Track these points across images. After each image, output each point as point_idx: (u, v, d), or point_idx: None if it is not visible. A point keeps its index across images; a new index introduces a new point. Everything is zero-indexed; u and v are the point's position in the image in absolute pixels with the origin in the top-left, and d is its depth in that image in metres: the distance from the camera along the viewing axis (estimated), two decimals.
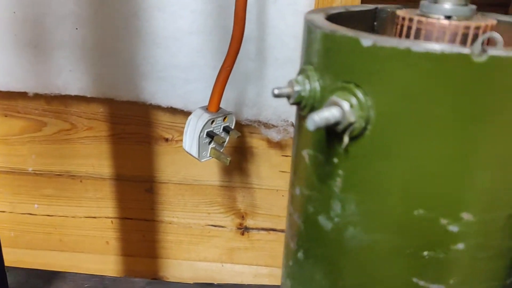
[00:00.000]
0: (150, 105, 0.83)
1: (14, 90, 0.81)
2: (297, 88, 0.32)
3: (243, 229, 0.94)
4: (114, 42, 0.78)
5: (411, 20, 0.33)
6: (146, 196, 0.92)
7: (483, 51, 0.26)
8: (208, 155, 0.72)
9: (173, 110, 0.84)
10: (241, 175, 0.90)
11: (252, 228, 0.93)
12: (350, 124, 0.29)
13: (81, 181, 0.92)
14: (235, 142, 0.87)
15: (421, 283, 0.31)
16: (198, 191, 0.92)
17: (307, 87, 0.32)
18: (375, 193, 0.31)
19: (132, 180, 0.91)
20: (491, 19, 0.34)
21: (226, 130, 0.72)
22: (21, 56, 0.79)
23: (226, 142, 0.72)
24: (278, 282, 0.96)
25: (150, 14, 0.75)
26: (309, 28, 0.33)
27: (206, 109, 0.70)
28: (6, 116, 0.88)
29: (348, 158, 0.31)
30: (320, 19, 0.33)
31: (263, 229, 0.93)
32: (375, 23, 0.41)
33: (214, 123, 0.70)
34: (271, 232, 0.93)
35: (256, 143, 0.88)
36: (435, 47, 0.26)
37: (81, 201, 0.93)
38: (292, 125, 0.82)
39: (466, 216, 0.30)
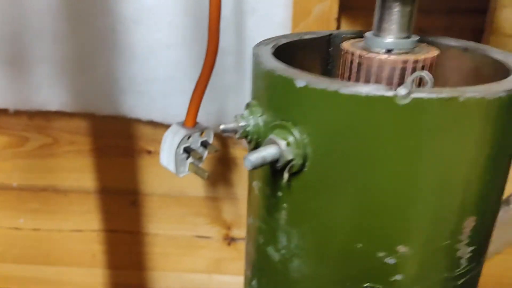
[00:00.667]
0: (131, 118, 0.84)
1: None
2: (242, 123, 0.34)
3: (230, 240, 0.95)
4: (92, 57, 0.79)
5: (353, 54, 0.35)
6: (131, 209, 0.94)
7: (408, 93, 0.28)
8: (186, 170, 0.74)
9: (154, 123, 0.86)
10: (226, 186, 0.92)
11: (239, 238, 0.95)
12: (289, 162, 0.31)
13: (65, 195, 0.94)
14: (218, 153, 0.89)
15: None
16: (183, 202, 0.93)
17: (251, 122, 0.34)
18: (317, 226, 0.33)
19: (117, 193, 0.93)
20: (434, 51, 0.35)
21: (204, 144, 0.74)
22: (0, 73, 0.81)
23: (204, 157, 0.74)
24: None
25: (127, 28, 0.77)
26: (255, 63, 0.35)
27: (183, 124, 0.72)
28: None
29: (291, 192, 0.33)
30: (266, 53, 0.35)
31: None
32: (330, 49, 0.42)
33: (191, 138, 0.72)
34: None
35: (239, 154, 0.89)
36: (361, 90, 0.28)
37: (67, 215, 0.95)
38: None
39: (402, 249, 0.32)
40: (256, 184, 0.36)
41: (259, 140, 0.34)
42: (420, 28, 0.76)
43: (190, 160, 0.74)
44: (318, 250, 0.33)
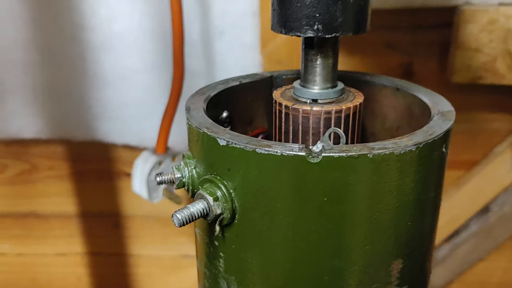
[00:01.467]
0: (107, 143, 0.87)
1: None
2: (177, 175, 0.36)
3: None
4: (64, 85, 0.82)
5: (280, 105, 0.37)
6: (114, 231, 0.97)
7: (319, 153, 0.30)
8: (160, 196, 0.76)
9: (131, 147, 0.88)
10: None
11: None
12: (218, 215, 0.33)
13: (47, 220, 0.96)
14: None
15: None
16: (165, 222, 0.96)
17: (186, 173, 0.36)
18: (251, 275, 0.35)
19: (98, 215, 0.96)
20: (358, 98, 0.37)
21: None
22: None
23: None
24: None
25: (97, 56, 0.79)
26: (187, 117, 0.37)
27: (154, 150, 0.74)
28: None
29: (225, 242, 0.35)
30: (197, 107, 0.37)
31: None
32: (273, 90, 0.45)
33: (162, 164, 0.74)
34: None
35: None
36: (276, 149, 0.30)
37: (50, 239, 0.98)
38: None
39: None
40: (198, 231, 0.38)
41: (194, 191, 0.36)
42: (389, 43, 0.78)
43: (164, 186, 0.76)
44: None
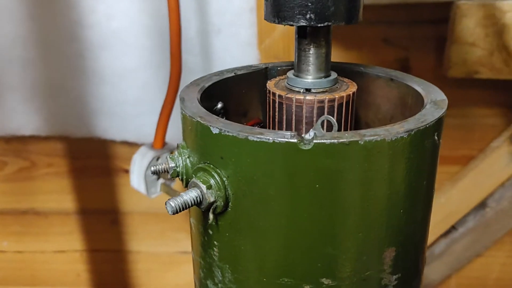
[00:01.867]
0: (106, 139, 0.87)
1: None
2: (171, 164, 0.36)
3: None
4: (63, 83, 0.82)
5: (274, 94, 0.37)
6: (112, 227, 0.97)
7: (310, 140, 0.30)
8: (158, 191, 0.76)
9: (129, 142, 0.88)
10: None
11: None
12: (212, 203, 0.33)
13: (46, 217, 0.96)
14: None
15: None
16: (164, 219, 0.96)
17: (180, 163, 0.36)
18: (245, 262, 0.35)
19: (97, 212, 0.96)
20: (351, 88, 0.37)
21: None
22: None
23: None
24: None
25: (95, 54, 0.79)
26: (181, 107, 0.37)
27: (152, 146, 0.74)
28: None
29: (219, 231, 0.35)
30: (191, 97, 0.37)
31: None
32: (268, 81, 0.45)
33: (160, 159, 0.74)
34: None
35: None
36: (268, 136, 0.30)
37: (49, 236, 0.98)
38: None
39: (326, 281, 0.34)
40: (192, 221, 0.38)
41: (188, 180, 0.36)
42: (385, 38, 0.78)
43: (162, 180, 0.76)
44: (248, 285, 0.35)
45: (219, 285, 0.37)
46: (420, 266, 0.38)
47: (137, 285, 1.01)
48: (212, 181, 0.33)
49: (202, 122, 0.33)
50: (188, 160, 0.36)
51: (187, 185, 0.36)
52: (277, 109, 0.37)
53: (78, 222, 0.97)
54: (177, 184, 0.86)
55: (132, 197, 0.94)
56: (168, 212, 0.32)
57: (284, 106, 0.36)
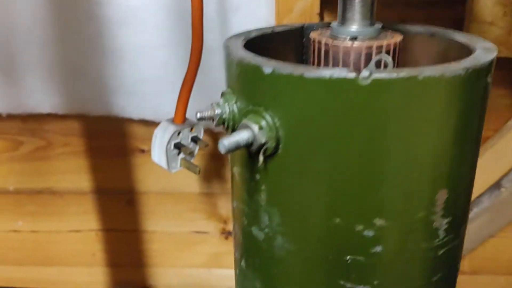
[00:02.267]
0: (123, 118, 0.86)
1: None
2: (217, 111, 0.36)
3: (226, 234, 0.97)
4: (82, 61, 0.81)
5: (320, 42, 0.36)
6: (128, 207, 0.96)
7: (369, 75, 0.29)
8: (178, 166, 0.75)
9: (146, 122, 0.87)
10: (220, 181, 0.94)
11: None
12: (263, 145, 0.33)
13: (61, 197, 0.96)
14: (212, 149, 0.91)
15: (348, 285, 0.35)
16: (179, 199, 0.95)
17: (226, 109, 0.35)
18: (295, 205, 0.34)
19: (113, 192, 0.95)
20: (397, 36, 0.37)
21: (195, 140, 0.75)
22: None
23: (195, 152, 0.75)
24: None
25: (114, 32, 0.79)
26: (226, 54, 0.36)
27: (173, 121, 0.73)
28: None
29: (268, 174, 0.34)
30: (236, 44, 0.37)
31: None
32: (304, 40, 0.44)
33: (181, 134, 0.73)
34: None
35: None
36: (325, 73, 0.30)
37: (64, 216, 0.97)
38: None
39: (379, 221, 0.33)
40: (236, 169, 0.38)
41: (235, 126, 0.35)
42: (402, 20, 0.78)
43: (182, 156, 0.75)
44: (298, 227, 0.34)
45: (266, 230, 0.36)
46: (467, 213, 0.38)
47: (152, 265, 1.00)
48: (263, 122, 0.32)
49: (253, 63, 0.32)
50: (235, 105, 0.35)
51: (233, 132, 0.35)
52: (322, 58, 0.37)
53: (93, 202, 0.96)
54: (198, 161, 0.86)
55: (148, 177, 0.94)
56: (221, 151, 0.32)
57: (331, 54, 0.36)
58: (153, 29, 0.78)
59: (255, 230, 0.37)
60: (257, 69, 0.32)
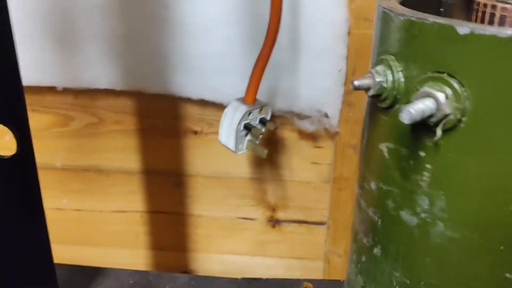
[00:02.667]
0: (179, 98, 0.81)
1: (43, 85, 0.80)
2: (378, 79, 0.31)
3: (274, 222, 0.93)
4: (143, 34, 0.76)
5: (494, 7, 0.32)
6: (175, 190, 0.91)
7: None
8: (244, 148, 0.71)
9: (202, 102, 0.83)
10: (272, 167, 0.89)
11: (283, 221, 0.92)
12: (445, 117, 0.28)
13: (108, 176, 0.91)
14: (265, 133, 0.86)
15: None
16: (228, 184, 0.91)
17: (390, 78, 0.31)
18: (468, 188, 0.30)
19: (161, 174, 0.90)
20: None
21: (262, 121, 0.71)
22: (49, 50, 0.77)
23: (262, 134, 0.71)
24: (310, 275, 0.95)
25: (179, 4, 0.74)
26: (387, 16, 0.32)
27: (243, 100, 0.69)
28: (33, 111, 0.86)
29: (438, 152, 0.30)
30: (398, 6, 0.32)
31: (294, 221, 0.92)
32: (441, 9, 0.39)
33: (251, 115, 0.69)
34: (302, 224, 0.92)
35: (287, 134, 0.86)
36: None
37: (109, 196, 0.92)
38: (326, 115, 0.81)
39: None
40: (386, 145, 0.33)
41: (398, 97, 0.31)
42: None
43: (249, 137, 0.71)
44: (468, 214, 0.30)
45: (422, 214, 0.31)
46: None
47: (196, 249, 0.95)
48: (448, 91, 0.28)
49: (443, 22, 0.28)
50: (401, 73, 0.31)
51: (393, 104, 0.31)
52: (486, 22, 0.32)
53: (140, 183, 0.91)
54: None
55: (198, 160, 0.89)
56: (404, 120, 0.27)
57: (508, 20, 0.31)
58: (219, 4, 0.74)
59: (405, 215, 0.32)
60: (448, 30, 0.27)
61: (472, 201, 0.30)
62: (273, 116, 0.82)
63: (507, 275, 0.30)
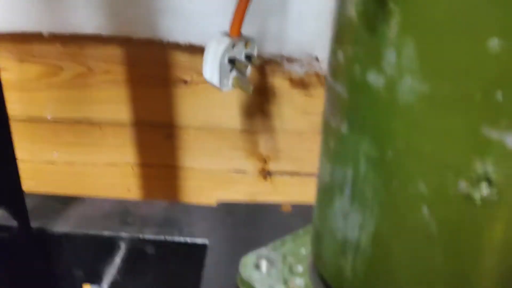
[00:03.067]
0: (168, 44, 0.78)
1: (29, 30, 0.77)
2: None
3: (266, 174, 0.89)
4: None
5: None
6: (167, 142, 0.88)
7: None
8: (229, 84, 0.67)
9: (192, 50, 0.79)
10: (263, 118, 0.85)
11: (275, 172, 0.89)
12: None
13: (100, 128, 0.88)
14: (256, 83, 0.83)
15: (493, 133, 0.26)
16: (219, 135, 0.87)
17: None
18: (440, 29, 0.26)
19: (152, 125, 0.87)
20: None
21: (248, 57, 0.67)
22: None
23: (249, 69, 0.67)
24: None
25: None
26: None
27: (227, 34, 0.65)
28: (22, 61, 0.83)
29: None
30: None
31: (286, 173, 0.89)
32: None
33: (235, 47, 0.65)
34: (294, 176, 0.89)
35: (278, 83, 0.83)
36: None
37: (101, 148, 0.89)
38: (316, 59, 0.77)
39: None
40: (353, 6, 0.29)
41: None
42: None
43: (234, 74, 0.67)
44: (441, 58, 0.26)
45: (389, 71, 0.28)
46: None
47: (188, 201, 0.92)
48: None
49: None
50: None
51: None
52: None
53: (132, 135, 0.88)
54: (238, 95, 0.78)
55: (189, 110, 0.86)
56: None
57: None
58: None
59: (372, 77, 0.29)
60: None
61: (446, 43, 0.26)
62: (260, 67, 0.78)
63: (484, 129, 0.27)
